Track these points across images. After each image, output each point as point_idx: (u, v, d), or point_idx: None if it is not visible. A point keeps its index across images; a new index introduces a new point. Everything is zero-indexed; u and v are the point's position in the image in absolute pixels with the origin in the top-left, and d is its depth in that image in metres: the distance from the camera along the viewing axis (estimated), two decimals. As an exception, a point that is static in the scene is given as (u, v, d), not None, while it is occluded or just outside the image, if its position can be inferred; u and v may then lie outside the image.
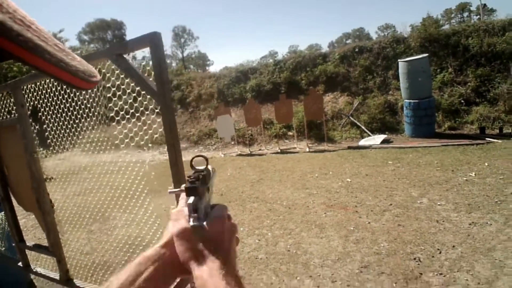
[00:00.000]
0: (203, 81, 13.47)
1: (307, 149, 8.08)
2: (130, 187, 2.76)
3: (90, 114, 3.10)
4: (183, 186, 0.49)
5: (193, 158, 0.54)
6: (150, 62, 1.59)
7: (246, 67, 13.67)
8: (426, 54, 8.05)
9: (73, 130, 2.83)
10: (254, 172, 6.38)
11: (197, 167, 0.53)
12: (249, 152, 8.87)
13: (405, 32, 11.62)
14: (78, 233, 3.84)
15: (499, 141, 6.19)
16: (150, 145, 8.52)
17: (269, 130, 10.04)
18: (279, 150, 8.50)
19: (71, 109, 2.69)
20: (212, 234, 0.46)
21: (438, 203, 3.76)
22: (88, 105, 2.96)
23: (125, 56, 1.65)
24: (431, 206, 3.72)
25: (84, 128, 3.45)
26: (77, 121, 2.79)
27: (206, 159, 0.54)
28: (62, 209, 4.15)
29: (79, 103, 2.71)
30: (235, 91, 12.08)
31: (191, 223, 0.45)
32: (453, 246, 2.84)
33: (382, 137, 7.88)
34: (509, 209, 3.37)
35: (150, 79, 1.57)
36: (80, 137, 3.60)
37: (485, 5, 22.67)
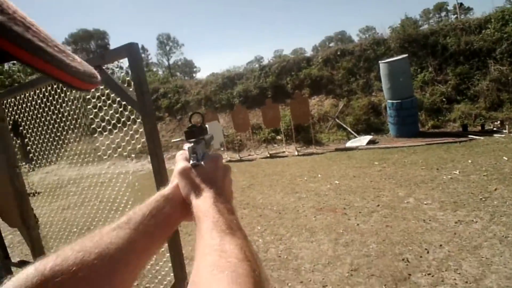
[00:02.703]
0: (190, 88, 13.41)
1: (296, 153, 8.12)
2: (115, 199, 2.70)
3: (72, 127, 3.03)
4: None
5: (191, 115, 0.65)
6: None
7: (232, 73, 13.69)
8: (406, 55, 8.23)
9: (55, 143, 2.76)
10: (244, 178, 6.35)
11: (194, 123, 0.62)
12: (239, 157, 8.85)
13: (385, 34, 11.89)
14: (64, 249, 3.72)
15: (482, 138, 6.37)
16: (133, 155, 8.37)
17: (257, 135, 10.05)
18: (268, 155, 8.51)
19: (52, 122, 2.62)
20: (208, 171, 0.54)
21: (425, 202, 3.83)
22: (70, 118, 2.89)
23: (103, 67, 1.62)
24: (417, 206, 3.78)
25: (67, 141, 3.37)
26: (58, 134, 2.72)
27: (202, 116, 0.65)
28: (47, 224, 4.02)
29: (60, 116, 2.65)
30: (223, 97, 12.07)
31: (191, 162, 0.54)
32: (440, 245, 2.88)
33: (368, 138, 7.99)
34: (493, 206, 3.46)
35: (131, 89, 1.54)
36: (64, 150, 3.51)
37: (461, 4, 23.44)
